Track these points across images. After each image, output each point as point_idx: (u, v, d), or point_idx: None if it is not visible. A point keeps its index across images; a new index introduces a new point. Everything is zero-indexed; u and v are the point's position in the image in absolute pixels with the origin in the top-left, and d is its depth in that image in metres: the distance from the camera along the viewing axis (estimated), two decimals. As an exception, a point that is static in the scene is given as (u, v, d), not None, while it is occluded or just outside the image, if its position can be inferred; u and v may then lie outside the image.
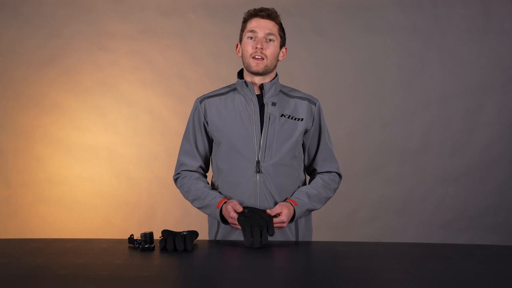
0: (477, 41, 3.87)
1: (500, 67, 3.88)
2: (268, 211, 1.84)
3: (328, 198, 2.04)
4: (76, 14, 3.78)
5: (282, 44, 1.99)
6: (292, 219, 1.92)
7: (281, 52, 1.99)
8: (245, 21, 1.97)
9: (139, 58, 3.82)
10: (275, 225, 1.84)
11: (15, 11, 3.75)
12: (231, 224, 1.87)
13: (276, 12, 1.96)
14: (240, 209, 1.82)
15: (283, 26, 2.00)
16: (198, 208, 2.00)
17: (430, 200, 3.90)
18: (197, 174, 2.05)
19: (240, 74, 2.03)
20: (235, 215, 1.82)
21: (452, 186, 3.90)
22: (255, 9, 1.96)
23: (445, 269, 1.50)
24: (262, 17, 1.93)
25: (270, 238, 1.91)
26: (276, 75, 2.02)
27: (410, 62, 3.88)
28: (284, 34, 2.00)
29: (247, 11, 1.98)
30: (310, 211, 1.99)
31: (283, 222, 1.85)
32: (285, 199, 1.96)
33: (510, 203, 3.90)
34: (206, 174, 2.11)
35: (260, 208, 1.92)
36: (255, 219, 1.76)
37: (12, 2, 3.76)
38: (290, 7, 3.79)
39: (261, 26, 1.92)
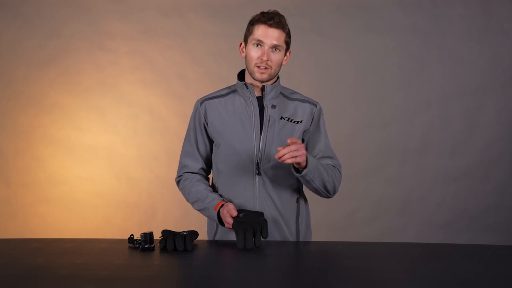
0: (477, 41, 3.87)
1: (500, 67, 3.88)
2: (279, 148, 1.75)
3: (335, 184, 1.96)
4: (76, 14, 3.78)
5: (287, 49, 1.96)
6: (304, 167, 1.82)
7: (285, 57, 1.96)
8: (252, 24, 1.92)
9: (139, 58, 3.82)
10: (289, 154, 1.74)
11: (15, 11, 3.75)
12: (227, 228, 1.86)
13: (285, 20, 1.91)
14: (235, 213, 1.81)
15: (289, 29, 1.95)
16: (198, 210, 2.00)
17: (430, 200, 3.90)
18: (198, 176, 2.05)
19: (241, 74, 2.02)
20: (231, 221, 1.81)
21: (452, 186, 3.90)
22: (263, 14, 1.90)
23: (445, 269, 1.50)
24: (270, 25, 1.88)
25: (271, 238, 1.91)
26: (278, 77, 2.01)
27: (410, 62, 3.88)
28: (290, 38, 1.96)
29: (255, 14, 1.92)
30: (320, 176, 1.88)
31: (298, 150, 1.74)
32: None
33: (510, 203, 3.90)
34: (208, 175, 2.11)
35: (259, 210, 1.92)
36: (249, 223, 1.75)
37: (12, 2, 3.75)
38: (290, 7, 3.79)
39: (268, 36, 1.88)
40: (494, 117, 3.89)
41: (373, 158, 3.88)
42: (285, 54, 1.96)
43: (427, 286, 1.35)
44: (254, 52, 1.90)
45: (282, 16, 1.92)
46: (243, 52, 1.97)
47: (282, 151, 1.74)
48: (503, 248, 1.84)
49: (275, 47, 1.90)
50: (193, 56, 3.83)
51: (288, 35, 1.94)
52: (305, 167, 1.83)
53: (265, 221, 1.77)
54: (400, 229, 3.87)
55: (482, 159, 3.89)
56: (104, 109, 3.81)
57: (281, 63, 1.95)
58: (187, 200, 2.04)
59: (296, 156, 1.75)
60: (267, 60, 1.89)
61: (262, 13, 1.92)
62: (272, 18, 1.89)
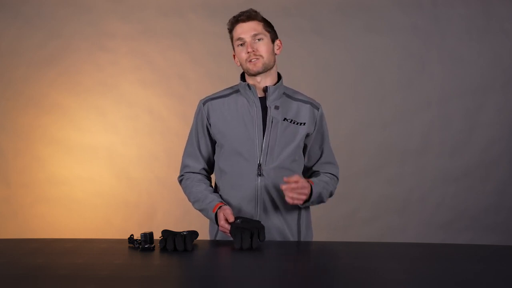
0: (477, 41, 3.87)
1: (500, 67, 3.88)
2: (285, 178, 1.82)
3: (331, 194, 2.05)
4: (76, 14, 3.78)
5: (274, 37, 1.98)
6: (308, 199, 1.90)
7: (275, 46, 1.98)
8: (230, 31, 1.97)
9: (139, 58, 3.82)
10: (293, 194, 1.82)
11: (15, 11, 3.75)
12: (221, 231, 1.88)
13: (254, 11, 1.95)
14: (232, 218, 1.81)
15: (271, 21, 1.99)
16: (198, 210, 2.01)
17: (430, 200, 3.90)
18: (199, 176, 2.05)
19: (243, 75, 2.03)
20: (225, 224, 1.82)
21: (452, 186, 3.89)
22: (234, 16, 1.95)
23: (445, 269, 1.50)
24: (243, 21, 1.93)
25: (271, 238, 1.92)
26: (281, 77, 2.02)
27: (410, 62, 3.88)
28: (272, 27, 1.98)
29: (228, 21, 1.97)
30: (319, 199, 1.97)
31: (304, 188, 1.84)
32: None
33: (510, 203, 3.90)
34: (210, 175, 2.12)
35: (259, 213, 1.94)
36: (246, 227, 1.76)
37: (12, 2, 3.75)
38: (290, 7, 3.79)
39: (245, 31, 1.92)
40: (494, 117, 3.88)
41: (373, 158, 3.88)
42: (274, 43, 1.98)
43: (427, 286, 1.35)
44: (241, 52, 1.94)
45: (253, 10, 1.95)
46: (237, 62, 2.00)
47: (288, 191, 1.82)
48: (503, 248, 1.84)
49: (256, 38, 1.92)
50: (193, 56, 3.83)
51: (266, 23, 1.96)
52: (308, 198, 1.90)
53: (263, 226, 1.78)
54: (400, 229, 3.86)
55: (482, 159, 3.89)
56: (104, 109, 3.81)
57: (272, 52, 1.96)
58: (189, 199, 2.05)
59: (299, 198, 1.85)
60: (253, 51, 1.91)
61: (233, 16, 1.96)
62: (241, 15, 1.94)
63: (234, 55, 2.01)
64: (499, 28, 3.87)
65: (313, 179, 1.96)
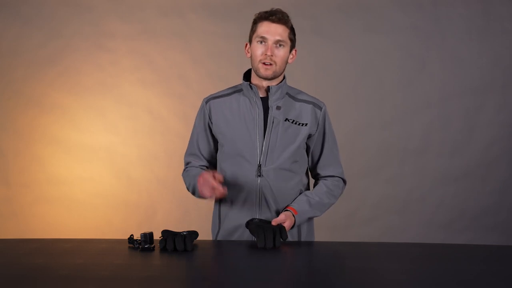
0: (477, 41, 3.87)
1: (500, 67, 3.88)
2: (273, 221, 1.85)
3: (331, 205, 2.04)
4: (76, 14, 3.78)
5: (292, 46, 1.95)
6: (292, 226, 1.92)
7: (290, 55, 1.96)
8: (255, 23, 1.92)
9: (139, 58, 3.82)
10: None
11: (15, 11, 3.75)
12: (200, 185, 1.84)
13: (287, 16, 1.91)
14: (219, 176, 1.80)
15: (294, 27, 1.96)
16: (193, 194, 2.02)
17: (430, 200, 3.90)
18: (200, 168, 2.05)
19: (246, 75, 2.01)
20: (208, 176, 1.79)
21: (452, 186, 3.89)
22: (266, 12, 1.91)
23: (445, 269, 1.50)
24: (273, 21, 1.88)
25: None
26: (284, 77, 2.00)
27: (410, 62, 3.88)
28: (295, 36, 1.95)
29: (258, 12, 1.93)
30: (311, 218, 2.00)
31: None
32: (286, 207, 1.94)
33: (510, 203, 3.90)
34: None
35: (259, 214, 1.94)
36: (267, 226, 1.77)
37: (12, 2, 3.75)
38: (290, 7, 3.77)
39: (271, 32, 1.88)
40: (494, 117, 3.88)
41: (373, 158, 3.88)
42: (290, 52, 1.95)
43: (427, 286, 1.35)
44: (258, 49, 1.90)
45: (285, 13, 1.92)
46: (248, 52, 1.97)
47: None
48: (503, 248, 1.84)
49: (278, 43, 1.89)
50: (193, 56, 3.83)
51: (292, 31, 1.93)
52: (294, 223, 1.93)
53: (283, 226, 1.79)
54: (400, 229, 3.86)
55: (482, 159, 3.89)
56: (104, 109, 3.81)
57: (286, 60, 1.94)
58: (187, 189, 2.05)
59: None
60: (271, 55, 1.88)
61: (265, 11, 1.92)
62: (274, 14, 1.89)
63: (246, 44, 1.97)
64: (499, 28, 3.87)
65: (299, 206, 1.94)
